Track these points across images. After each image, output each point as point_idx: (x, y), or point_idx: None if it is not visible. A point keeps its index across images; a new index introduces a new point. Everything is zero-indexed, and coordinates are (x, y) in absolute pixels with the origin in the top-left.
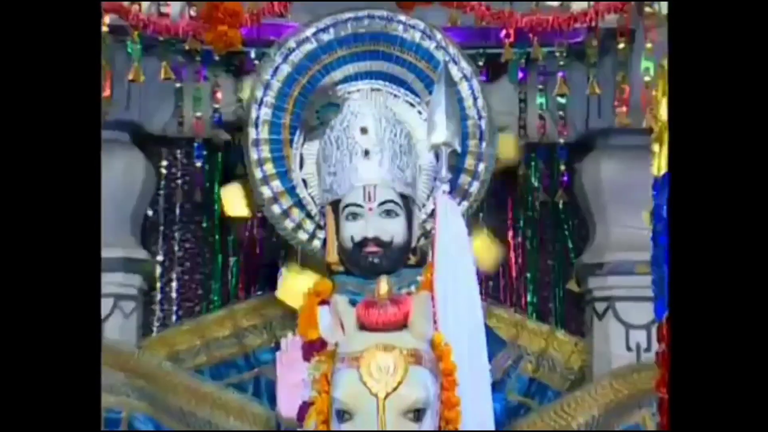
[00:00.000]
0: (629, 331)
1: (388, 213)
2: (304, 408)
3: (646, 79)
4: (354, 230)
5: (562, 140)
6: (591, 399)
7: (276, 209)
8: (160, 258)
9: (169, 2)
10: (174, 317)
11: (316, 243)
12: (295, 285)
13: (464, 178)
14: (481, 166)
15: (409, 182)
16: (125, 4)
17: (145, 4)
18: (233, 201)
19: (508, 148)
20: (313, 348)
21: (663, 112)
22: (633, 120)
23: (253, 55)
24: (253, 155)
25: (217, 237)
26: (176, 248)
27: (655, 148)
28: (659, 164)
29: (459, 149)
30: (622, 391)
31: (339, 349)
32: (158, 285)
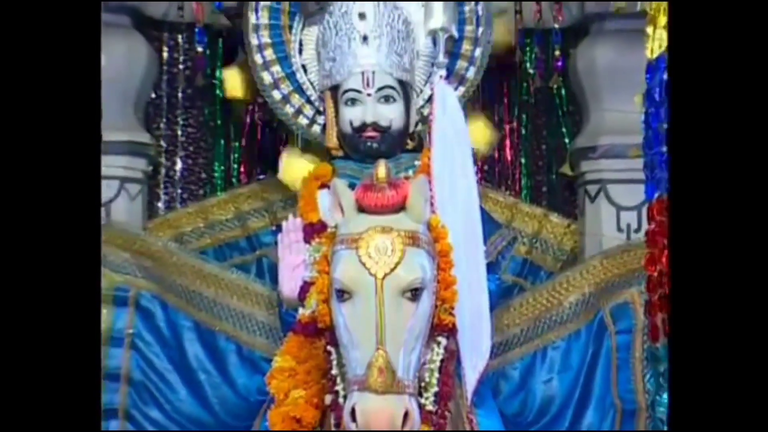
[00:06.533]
0: (620, 213)
1: (387, 98)
2: (305, 288)
3: None
4: (353, 115)
5: (557, 25)
6: (582, 278)
7: (276, 95)
8: (163, 143)
9: None
10: (178, 200)
11: (316, 128)
12: (296, 169)
13: (461, 64)
14: (478, 51)
15: (407, 68)
16: None
17: None
18: (235, 83)
19: (503, 32)
20: (314, 230)
21: None
22: (628, 4)
23: None
24: (253, 40)
25: (219, 122)
26: (179, 132)
27: (649, 30)
28: (653, 47)
29: (456, 34)
30: (612, 271)
31: (339, 230)
32: (162, 168)
